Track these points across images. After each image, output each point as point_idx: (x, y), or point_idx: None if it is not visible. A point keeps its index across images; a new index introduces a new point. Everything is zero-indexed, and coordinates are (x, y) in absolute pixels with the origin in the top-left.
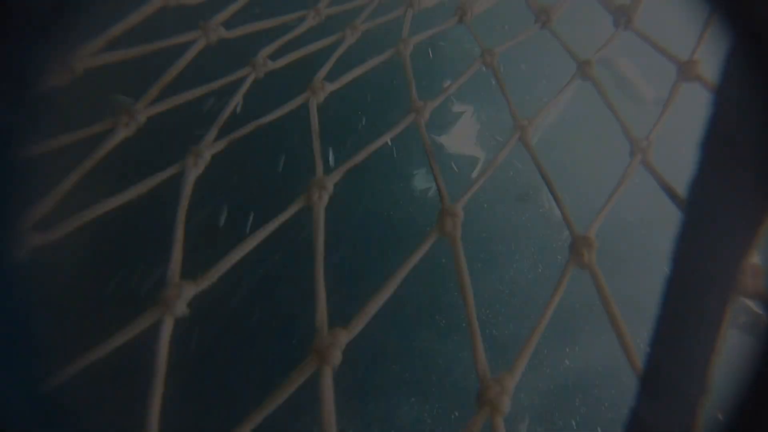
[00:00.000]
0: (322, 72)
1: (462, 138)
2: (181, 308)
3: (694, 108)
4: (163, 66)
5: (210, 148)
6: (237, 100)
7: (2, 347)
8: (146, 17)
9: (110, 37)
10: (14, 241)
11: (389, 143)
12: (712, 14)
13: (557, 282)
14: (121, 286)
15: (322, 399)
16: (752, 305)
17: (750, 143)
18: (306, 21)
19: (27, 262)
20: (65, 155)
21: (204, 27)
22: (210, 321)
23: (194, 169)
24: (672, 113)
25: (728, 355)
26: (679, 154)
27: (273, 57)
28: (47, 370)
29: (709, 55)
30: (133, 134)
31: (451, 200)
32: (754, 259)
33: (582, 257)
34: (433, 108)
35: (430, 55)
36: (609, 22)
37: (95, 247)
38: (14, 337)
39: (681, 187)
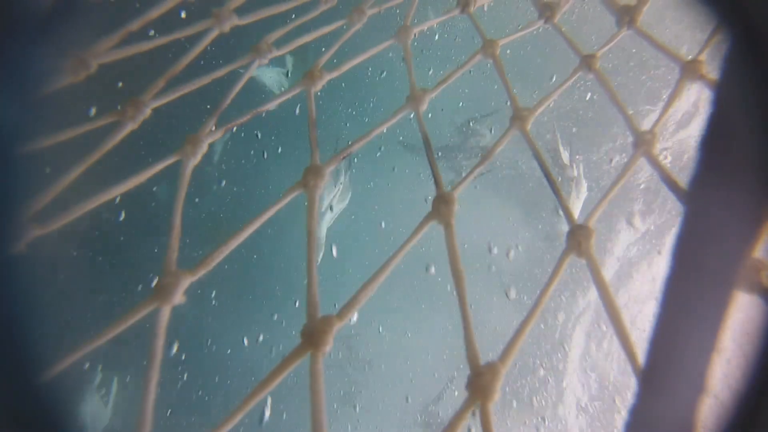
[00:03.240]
0: (322, 59)
1: None
2: (177, 297)
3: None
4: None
5: (208, 136)
6: (238, 87)
7: None
8: (166, 11)
9: (126, 33)
10: (14, 234)
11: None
12: (712, 14)
13: (553, 270)
14: (118, 276)
15: (313, 384)
16: None
17: (750, 142)
18: (319, 5)
19: (25, 253)
20: (70, 148)
21: (217, 14)
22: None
23: (192, 158)
24: (676, 109)
25: (729, 353)
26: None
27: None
28: (45, 361)
29: (713, 56)
30: (138, 127)
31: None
32: (757, 254)
33: (579, 246)
34: (432, 97)
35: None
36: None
37: (92, 238)
38: (10, 329)
39: (684, 181)
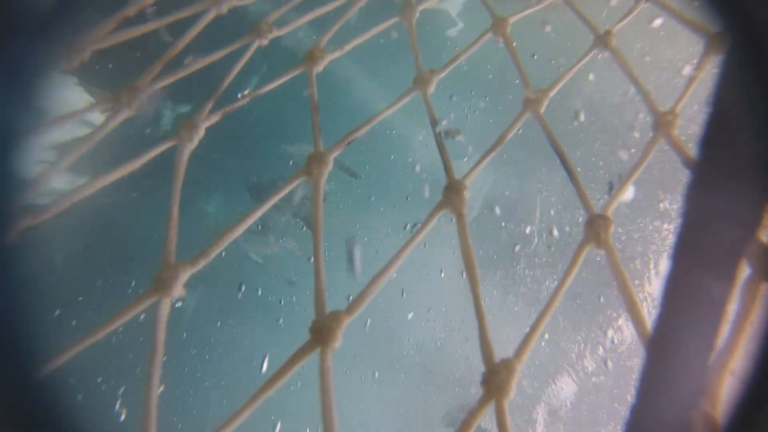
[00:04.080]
0: (323, 39)
1: None
2: (177, 290)
3: None
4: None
5: (205, 120)
6: (237, 70)
7: None
8: None
9: (122, 18)
10: (7, 224)
11: None
12: (713, 14)
13: (570, 262)
14: (118, 268)
15: (322, 380)
16: None
17: (749, 137)
18: None
19: (21, 243)
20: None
21: None
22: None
23: (189, 143)
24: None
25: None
26: None
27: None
28: (42, 356)
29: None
30: (134, 113)
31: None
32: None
33: (598, 236)
34: (440, 78)
35: None
36: None
37: (91, 228)
38: (7, 324)
39: None
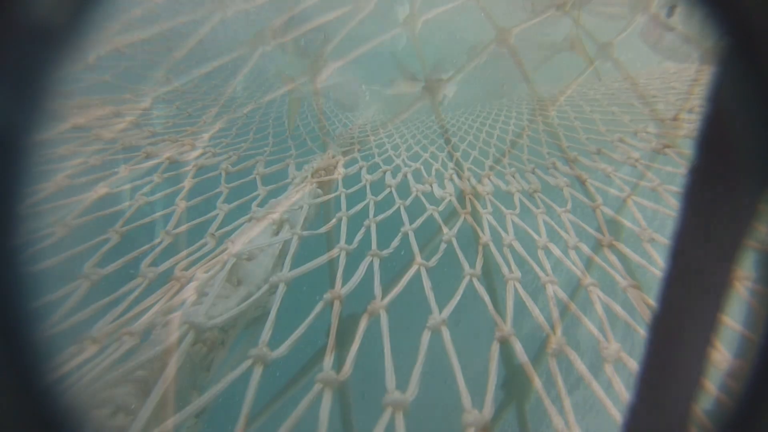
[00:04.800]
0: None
1: None
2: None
3: None
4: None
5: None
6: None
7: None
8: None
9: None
10: (13, 228)
11: None
12: (709, 13)
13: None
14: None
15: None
16: None
17: (747, 140)
18: None
19: (25, 246)
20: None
21: None
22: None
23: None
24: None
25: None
26: None
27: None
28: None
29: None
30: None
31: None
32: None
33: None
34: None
35: None
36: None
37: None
38: (14, 327)
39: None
